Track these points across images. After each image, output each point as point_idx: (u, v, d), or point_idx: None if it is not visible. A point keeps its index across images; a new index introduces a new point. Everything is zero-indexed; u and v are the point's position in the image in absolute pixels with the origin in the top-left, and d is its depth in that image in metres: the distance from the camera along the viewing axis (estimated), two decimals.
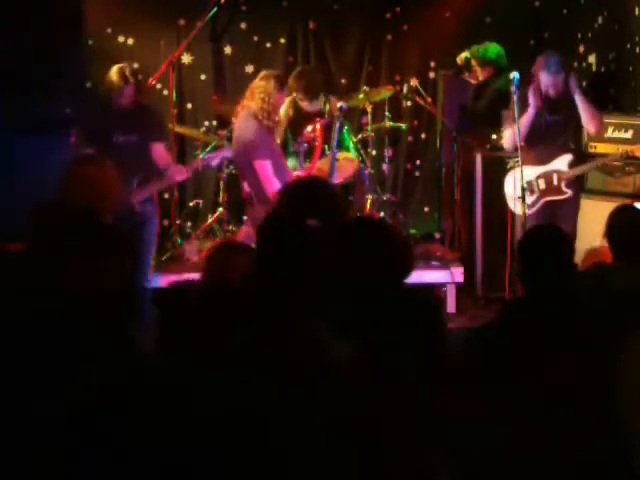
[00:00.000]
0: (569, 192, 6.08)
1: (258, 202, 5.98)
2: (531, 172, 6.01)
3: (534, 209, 6.05)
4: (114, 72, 5.65)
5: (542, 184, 6.08)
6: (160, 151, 5.88)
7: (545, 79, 5.98)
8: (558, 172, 6.07)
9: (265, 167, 5.81)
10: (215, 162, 6.32)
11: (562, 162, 6.08)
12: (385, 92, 7.29)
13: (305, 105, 6.87)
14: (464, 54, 7.07)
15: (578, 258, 3.22)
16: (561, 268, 3.11)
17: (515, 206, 6.06)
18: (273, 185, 5.77)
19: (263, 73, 6.05)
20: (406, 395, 2.53)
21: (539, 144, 6.02)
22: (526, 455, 2.73)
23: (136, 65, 7.57)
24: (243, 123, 5.95)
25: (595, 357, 2.82)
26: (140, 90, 5.88)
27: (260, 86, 5.91)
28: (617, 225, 3.98)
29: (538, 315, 2.98)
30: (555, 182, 6.06)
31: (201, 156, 6.78)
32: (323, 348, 2.38)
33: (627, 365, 2.74)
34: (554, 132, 6.08)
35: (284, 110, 6.65)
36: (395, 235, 3.16)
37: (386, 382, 2.50)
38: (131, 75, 5.66)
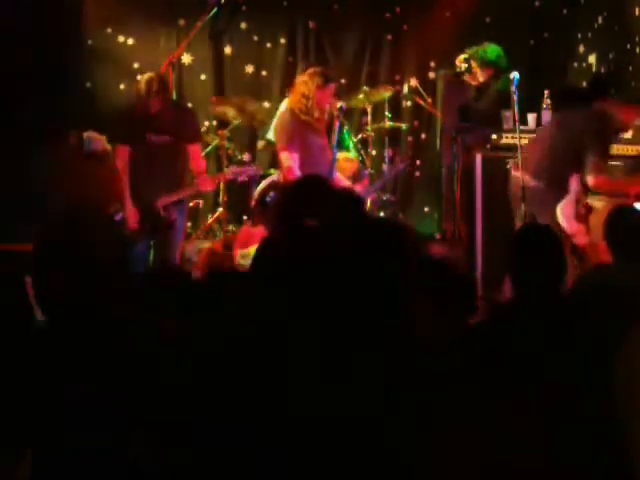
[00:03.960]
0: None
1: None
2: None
3: None
4: (142, 83, 5.61)
5: None
6: (195, 153, 5.88)
7: None
8: None
9: (288, 158, 5.80)
10: (241, 178, 6.32)
11: None
12: (385, 92, 7.29)
13: None
14: (463, 56, 7.04)
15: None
16: (553, 269, 3.09)
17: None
18: (293, 176, 5.76)
19: (310, 69, 6.05)
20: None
21: None
22: (524, 456, 2.73)
23: (136, 65, 7.66)
24: (280, 115, 6.14)
25: (593, 358, 2.82)
26: (167, 99, 5.82)
27: (303, 82, 5.90)
28: (616, 225, 3.98)
29: (529, 316, 2.97)
30: None
31: (227, 169, 6.66)
32: None
33: (623, 364, 2.74)
34: None
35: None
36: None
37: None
38: (158, 89, 5.59)
